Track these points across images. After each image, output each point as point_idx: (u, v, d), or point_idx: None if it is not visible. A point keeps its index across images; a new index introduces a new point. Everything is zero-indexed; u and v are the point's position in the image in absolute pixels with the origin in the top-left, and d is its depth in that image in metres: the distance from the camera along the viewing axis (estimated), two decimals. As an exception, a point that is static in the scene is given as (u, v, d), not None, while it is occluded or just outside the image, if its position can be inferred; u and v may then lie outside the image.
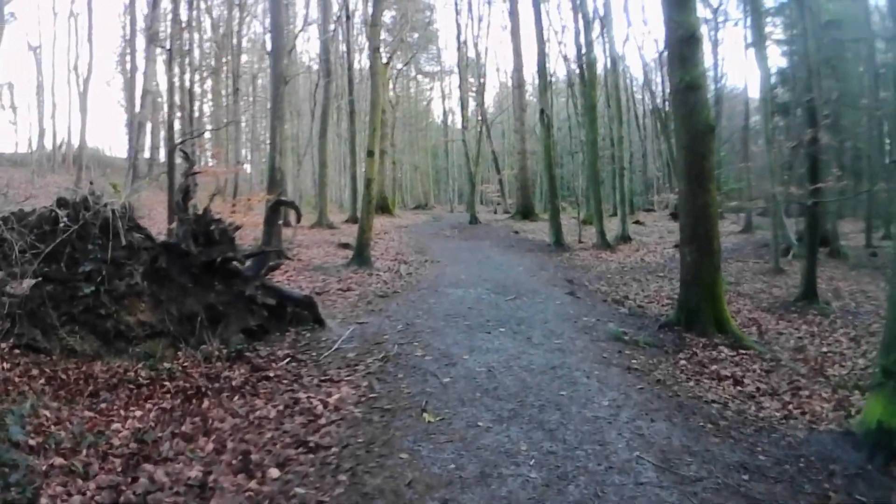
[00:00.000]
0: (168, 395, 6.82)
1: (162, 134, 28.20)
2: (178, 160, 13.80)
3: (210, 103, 41.94)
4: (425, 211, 48.70)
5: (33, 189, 26.27)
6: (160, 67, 20.44)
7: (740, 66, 79.25)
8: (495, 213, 46.26)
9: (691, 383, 7.63)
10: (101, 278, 7.83)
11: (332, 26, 28.96)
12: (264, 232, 8.98)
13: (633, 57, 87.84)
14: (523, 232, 27.67)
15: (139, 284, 8.11)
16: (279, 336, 8.90)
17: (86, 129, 37.34)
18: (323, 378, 7.14)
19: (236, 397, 6.73)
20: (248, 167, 25.30)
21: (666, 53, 13.83)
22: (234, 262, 8.64)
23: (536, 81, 41.36)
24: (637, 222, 31.43)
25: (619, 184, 25.22)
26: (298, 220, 8.18)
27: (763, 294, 14.45)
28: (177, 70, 17.62)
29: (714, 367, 8.30)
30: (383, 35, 46.05)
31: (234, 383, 7.10)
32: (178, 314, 8.45)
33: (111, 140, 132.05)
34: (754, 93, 40.82)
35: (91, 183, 8.23)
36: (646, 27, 75.40)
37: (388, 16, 47.56)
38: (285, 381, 7.13)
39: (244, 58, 38.99)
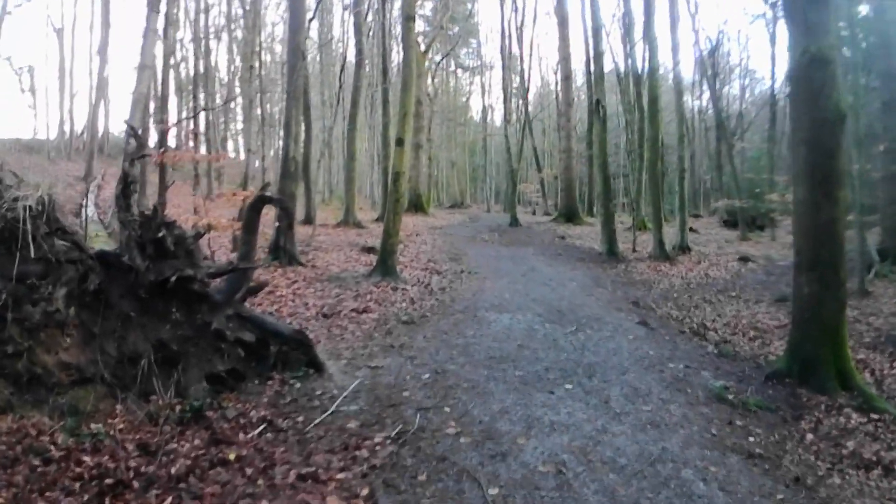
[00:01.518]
0: (77, 487, 4.45)
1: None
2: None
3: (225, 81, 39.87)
4: (461, 210, 46.19)
5: (38, 176, 24.49)
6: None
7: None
8: (534, 213, 43.59)
9: (836, 479, 5.20)
10: (5, 303, 5.45)
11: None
12: (242, 241, 6.50)
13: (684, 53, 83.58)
14: (569, 237, 24.98)
15: (61, 312, 5.71)
16: (259, 385, 6.43)
17: (108, 115, 35.54)
18: (304, 472, 4.64)
19: (170, 499, 4.33)
20: (250, 157, 23.16)
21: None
22: (197, 283, 6.18)
23: (584, 72, 39.04)
24: (691, 229, 28.70)
25: (680, 187, 22.38)
26: (290, 226, 6.04)
27: (859, 325, 11.60)
28: (179, 39, 15.68)
29: (851, 446, 5.85)
30: (422, 26, 44.19)
31: (175, 469, 4.66)
32: (117, 353, 6.03)
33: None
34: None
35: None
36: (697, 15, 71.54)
37: (427, 7, 45.43)
38: (249, 472, 4.66)
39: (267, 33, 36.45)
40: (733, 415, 6.40)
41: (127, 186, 5.82)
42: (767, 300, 13.39)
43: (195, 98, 20.73)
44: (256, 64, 24.82)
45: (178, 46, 37.40)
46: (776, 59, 35.20)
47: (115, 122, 45.99)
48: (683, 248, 21.17)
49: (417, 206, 35.40)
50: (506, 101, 36.52)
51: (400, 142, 13.00)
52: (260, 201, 6.27)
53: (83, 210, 17.80)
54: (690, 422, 6.00)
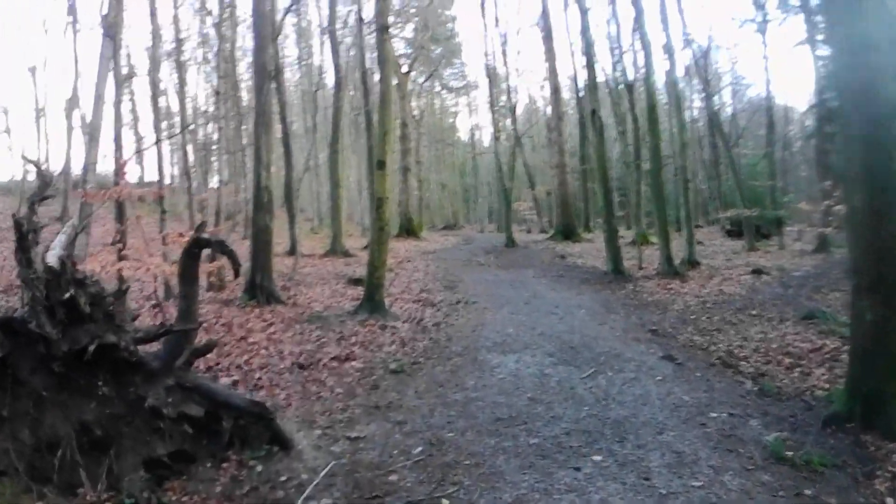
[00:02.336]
0: None
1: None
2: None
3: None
4: (454, 232, 45.06)
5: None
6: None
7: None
8: (528, 231, 42.43)
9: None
10: None
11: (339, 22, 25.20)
12: (180, 294, 5.19)
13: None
14: (570, 256, 23.73)
15: (-47, 393, 4.45)
16: (212, 468, 5.14)
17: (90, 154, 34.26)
18: None
19: None
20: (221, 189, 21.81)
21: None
22: (124, 352, 4.89)
23: (572, 85, 38.06)
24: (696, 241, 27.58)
25: (685, 198, 21.17)
26: (236, 274, 4.88)
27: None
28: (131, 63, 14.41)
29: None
30: (402, 48, 43.19)
31: None
32: (32, 440, 4.77)
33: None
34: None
35: None
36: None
37: (408, 29, 44.50)
38: None
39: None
40: (798, 479, 5.11)
41: (24, 237, 4.53)
42: (792, 318, 12.12)
43: (158, 129, 19.53)
44: (222, 89, 23.53)
45: (154, 78, 36.48)
46: (769, 61, 34.28)
47: (101, 161, 44.51)
48: (692, 263, 19.94)
49: (409, 231, 34.25)
50: (494, 118, 35.37)
51: (381, 164, 11.73)
52: (196, 245, 4.97)
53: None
54: (752, 497, 4.71)
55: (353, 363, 8.51)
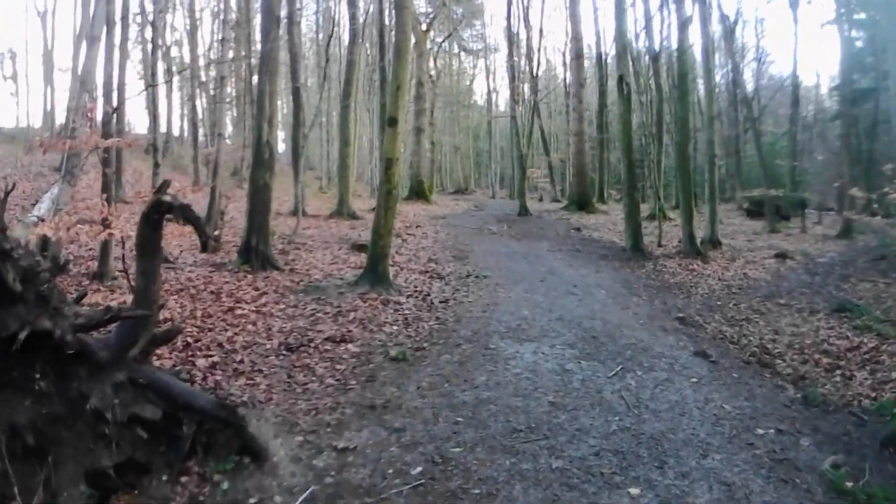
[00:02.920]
0: None
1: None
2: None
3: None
4: (465, 197, 43.93)
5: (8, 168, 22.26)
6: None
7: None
8: (541, 199, 41.25)
9: None
10: None
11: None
12: (137, 270, 4.22)
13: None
14: (585, 228, 22.67)
15: None
16: (168, 482, 4.27)
17: (100, 102, 33.16)
18: None
19: None
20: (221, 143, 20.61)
21: None
22: (64, 341, 3.97)
23: (595, 52, 36.62)
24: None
25: (710, 174, 19.96)
26: (203, 248, 4.11)
27: None
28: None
29: None
30: (424, 5, 41.62)
31: None
32: (-50, 445, 3.90)
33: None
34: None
35: None
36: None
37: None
38: None
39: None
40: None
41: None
42: (823, 310, 11.23)
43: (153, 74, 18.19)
44: (230, 36, 22.32)
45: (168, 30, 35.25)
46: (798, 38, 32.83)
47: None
48: (714, 243, 18.93)
49: (419, 194, 33.18)
50: (512, 80, 33.96)
51: (392, 121, 10.66)
52: (155, 210, 3.99)
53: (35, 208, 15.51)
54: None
55: (349, 346, 7.59)
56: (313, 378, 6.43)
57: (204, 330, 8.08)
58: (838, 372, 7.76)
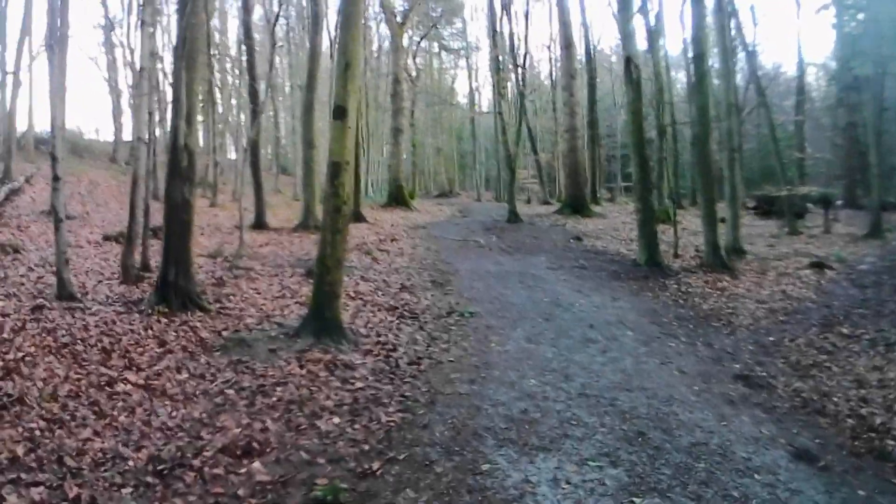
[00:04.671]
0: None
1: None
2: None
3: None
4: (450, 201, 41.15)
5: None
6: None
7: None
8: (528, 201, 38.46)
9: None
10: None
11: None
12: None
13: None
14: (585, 237, 19.84)
15: None
16: None
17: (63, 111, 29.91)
18: None
19: None
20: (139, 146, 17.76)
21: None
22: None
23: (585, 42, 33.98)
24: (721, 219, 23.54)
25: (730, 171, 17.20)
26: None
27: None
28: None
29: None
30: (399, 3, 38.69)
31: None
32: None
33: (98, 123, 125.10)
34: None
35: None
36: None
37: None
38: None
39: None
40: None
41: None
42: (904, 342, 8.68)
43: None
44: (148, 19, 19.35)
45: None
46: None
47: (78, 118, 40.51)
48: (737, 251, 16.22)
49: (399, 200, 30.33)
50: (497, 72, 31.12)
51: (340, 112, 7.63)
52: None
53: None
54: None
55: (256, 464, 4.69)
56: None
57: (53, 427, 5.23)
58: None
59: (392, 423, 5.41)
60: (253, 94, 19.41)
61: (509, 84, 37.07)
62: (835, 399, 6.67)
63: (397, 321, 9.14)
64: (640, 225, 14.81)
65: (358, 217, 23.04)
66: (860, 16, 29.29)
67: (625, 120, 48.65)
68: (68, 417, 5.48)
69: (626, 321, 9.46)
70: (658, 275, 13.62)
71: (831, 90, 38.13)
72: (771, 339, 9.19)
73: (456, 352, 7.63)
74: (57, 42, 10.44)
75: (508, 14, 33.75)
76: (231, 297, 10.30)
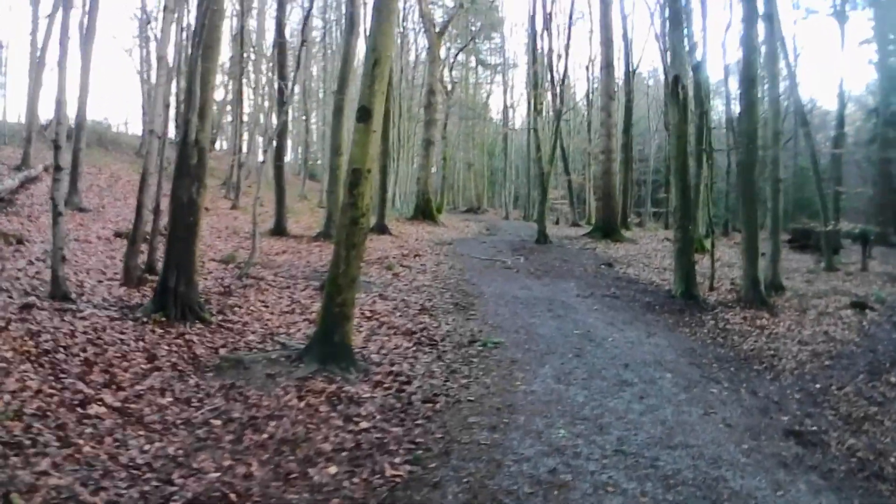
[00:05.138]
0: None
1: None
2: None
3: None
4: (477, 217, 40.45)
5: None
6: None
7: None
8: (556, 223, 37.61)
9: None
10: None
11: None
12: None
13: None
14: (617, 263, 18.95)
15: None
16: None
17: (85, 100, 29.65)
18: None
19: None
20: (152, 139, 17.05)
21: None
22: None
23: (625, 62, 32.98)
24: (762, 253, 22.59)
25: (773, 201, 16.24)
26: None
27: None
28: None
29: None
30: (440, 15, 38.23)
31: None
32: None
33: (129, 116, 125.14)
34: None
35: None
36: None
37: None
38: None
39: None
40: None
41: None
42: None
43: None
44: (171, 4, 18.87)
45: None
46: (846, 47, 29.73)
47: (106, 110, 40.41)
48: (776, 287, 15.21)
49: (426, 214, 29.63)
50: (535, 87, 30.33)
51: (364, 114, 6.89)
52: None
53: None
54: None
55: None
56: None
57: (8, 454, 4.52)
58: None
59: (397, 479, 4.59)
60: (280, 91, 18.82)
61: (545, 101, 36.32)
62: (892, 459, 5.89)
63: (414, 348, 8.33)
64: (678, 255, 13.88)
65: (382, 229, 22.35)
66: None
67: (657, 144, 48.54)
68: (28, 442, 4.74)
69: (663, 361, 8.57)
70: (694, 309, 12.72)
71: (865, 125, 37.10)
72: (817, 385, 8.32)
73: (477, 389, 6.80)
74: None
75: (549, 29, 33.09)
76: (236, 309, 9.60)
